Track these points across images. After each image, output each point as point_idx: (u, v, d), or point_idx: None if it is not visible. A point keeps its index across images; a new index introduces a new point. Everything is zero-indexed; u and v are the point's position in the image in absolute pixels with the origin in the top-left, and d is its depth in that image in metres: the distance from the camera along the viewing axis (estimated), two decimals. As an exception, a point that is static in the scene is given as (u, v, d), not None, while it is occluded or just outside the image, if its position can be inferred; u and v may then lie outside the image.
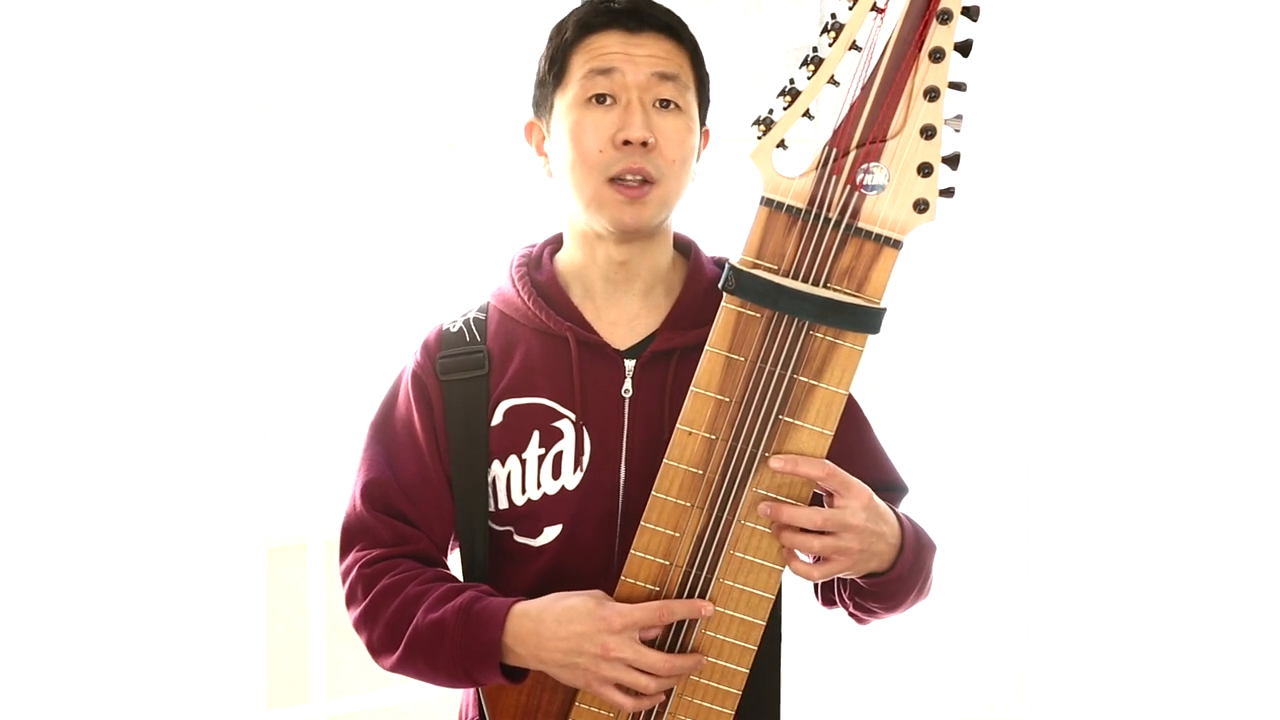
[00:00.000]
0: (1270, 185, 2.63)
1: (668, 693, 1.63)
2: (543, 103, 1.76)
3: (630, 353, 1.75)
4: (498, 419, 1.73)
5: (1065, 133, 3.04)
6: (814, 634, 3.29)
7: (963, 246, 3.27)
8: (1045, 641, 3.16)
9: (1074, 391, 3.06)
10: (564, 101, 1.71)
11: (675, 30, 1.71)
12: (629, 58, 1.67)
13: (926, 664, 3.41)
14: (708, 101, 1.78)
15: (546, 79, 1.74)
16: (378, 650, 1.72)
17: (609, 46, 1.68)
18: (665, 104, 1.68)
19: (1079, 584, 3.06)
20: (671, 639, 1.61)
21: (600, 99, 1.68)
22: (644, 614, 1.57)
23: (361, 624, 1.73)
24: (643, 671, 1.58)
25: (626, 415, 1.72)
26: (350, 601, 1.75)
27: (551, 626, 1.59)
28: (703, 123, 1.77)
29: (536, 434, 1.72)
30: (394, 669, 1.71)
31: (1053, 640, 3.14)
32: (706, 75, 1.77)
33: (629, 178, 1.67)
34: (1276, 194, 2.61)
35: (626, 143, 1.66)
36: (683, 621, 1.61)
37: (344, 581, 1.76)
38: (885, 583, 1.66)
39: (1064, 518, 3.10)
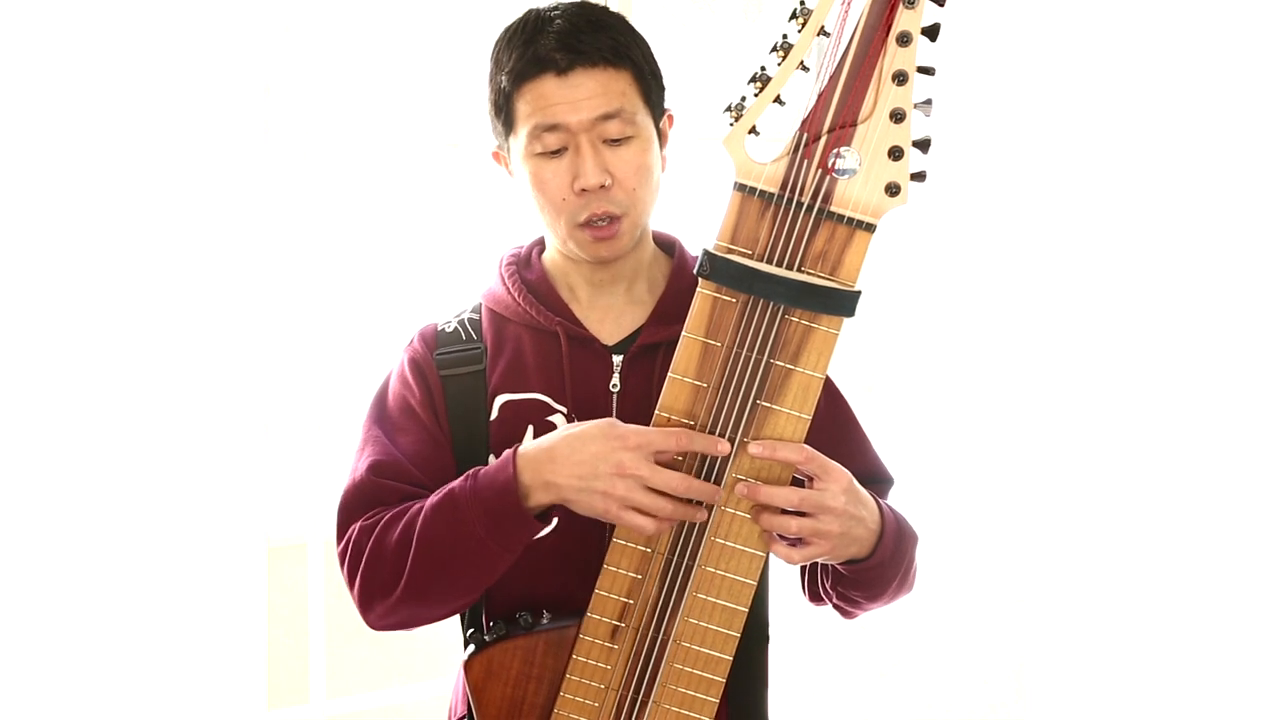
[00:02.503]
0: (1254, 169, 2.63)
1: (651, 682, 1.63)
2: (500, 139, 1.76)
3: (618, 348, 1.76)
4: (494, 414, 1.75)
5: (1063, 127, 3.04)
6: (813, 635, 3.29)
7: (964, 244, 3.27)
8: (1045, 641, 3.16)
9: (1074, 390, 3.06)
10: (517, 148, 1.71)
11: (606, 55, 1.68)
12: (569, 105, 1.66)
13: (926, 664, 3.41)
14: (661, 91, 1.76)
15: (496, 121, 1.74)
16: (389, 583, 1.64)
17: (547, 96, 1.66)
18: (615, 140, 1.68)
19: (1078, 583, 3.05)
20: (662, 606, 1.61)
21: (551, 151, 1.68)
22: (660, 436, 1.54)
23: (371, 568, 1.65)
24: (660, 494, 1.54)
25: (615, 409, 1.73)
26: (353, 568, 1.68)
27: (564, 451, 1.56)
28: (662, 113, 1.76)
29: (531, 428, 1.73)
30: (407, 590, 1.63)
31: (1052, 640, 3.13)
32: (656, 72, 1.75)
33: (596, 221, 1.69)
34: (1261, 177, 2.62)
35: (585, 190, 1.67)
36: (671, 585, 1.61)
37: (343, 560, 1.70)
38: (866, 570, 1.66)
39: (1063, 517, 3.09)
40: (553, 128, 1.66)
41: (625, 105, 1.68)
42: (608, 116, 1.66)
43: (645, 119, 1.71)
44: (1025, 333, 3.20)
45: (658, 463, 1.55)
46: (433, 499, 1.64)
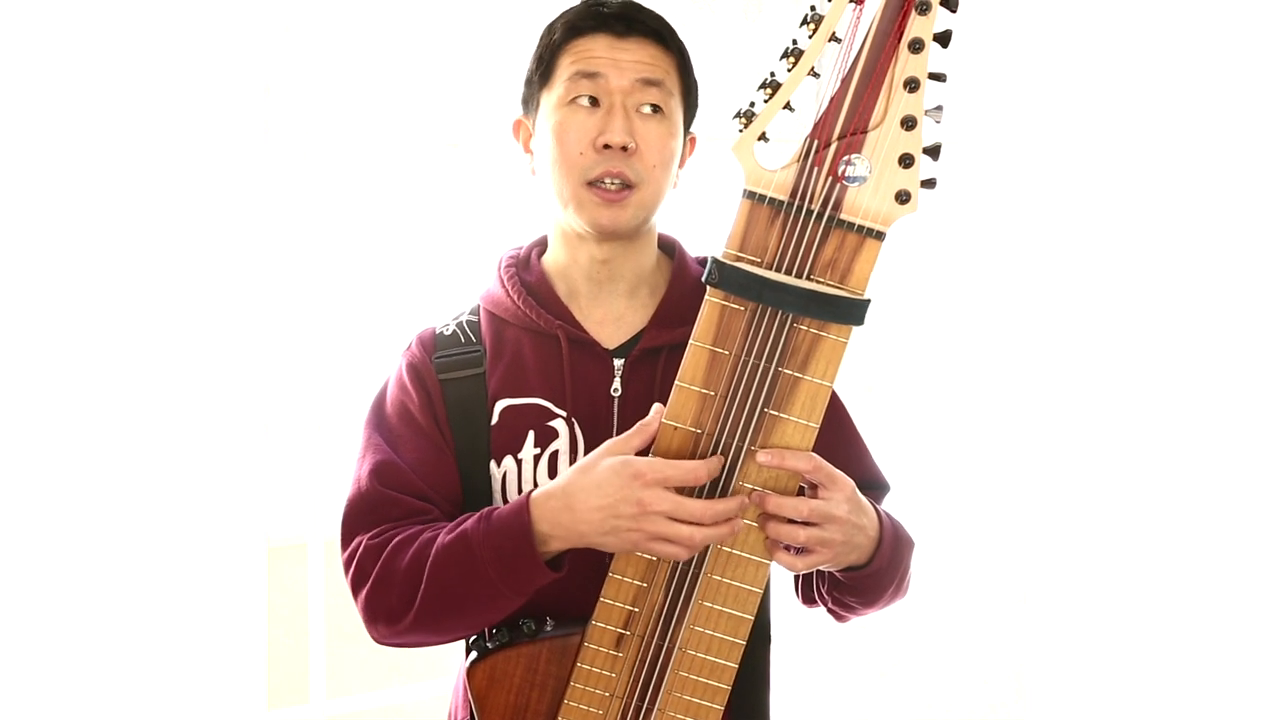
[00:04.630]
0: (1257, 178, 2.63)
1: (656, 690, 1.63)
2: (530, 100, 1.77)
3: (618, 351, 1.75)
4: (494, 419, 1.73)
5: (1068, 135, 3.04)
6: (813, 635, 3.29)
7: (965, 247, 3.27)
8: (1045, 641, 3.16)
9: (1073, 392, 3.06)
10: (549, 101, 1.72)
11: (663, 36, 1.72)
12: (615, 62, 1.68)
13: (926, 664, 3.41)
14: (695, 107, 1.79)
15: (534, 78, 1.75)
16: (398, 610, 1.64)
17: (596, 50, 1.69)
18: (650, 108, 1.69)
19: (1077, 583, 3.06)
20: (668, 614, 1.61)
21: (585, 101, 1.69)
22: (674, 471, 1.53)
23: (378, 592, 1.65)
24: (685, 522, 1.53)
25: (616, 414, 1.72)
26: (358, 585, 1.67)
27: (582, 499, 1.55)
28: (688, 129, 1.78)
29: (532, 434, 1.72)
30: (416, 621, 1.63)
31: (1052, 640, 3.13)
32: (694, 83, 1.78)
33: (608, 182, 1.68)
34: (1263, 186, 2.61)
35: (607, 146, 1.67)
36: (677, 593, 1.60)
37: (348, 571, 1.69)
38: (863, 577, 1.66)
39: (1063, 517, 3.10)
40: (592, 75, 1.68)
41: (667, 81, 1.71)
42: (650, 82, 1.69)
43: (678, 110, 1.74)
44: (1025, 336, 3.20)
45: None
46: (444, 537, 1.62)
